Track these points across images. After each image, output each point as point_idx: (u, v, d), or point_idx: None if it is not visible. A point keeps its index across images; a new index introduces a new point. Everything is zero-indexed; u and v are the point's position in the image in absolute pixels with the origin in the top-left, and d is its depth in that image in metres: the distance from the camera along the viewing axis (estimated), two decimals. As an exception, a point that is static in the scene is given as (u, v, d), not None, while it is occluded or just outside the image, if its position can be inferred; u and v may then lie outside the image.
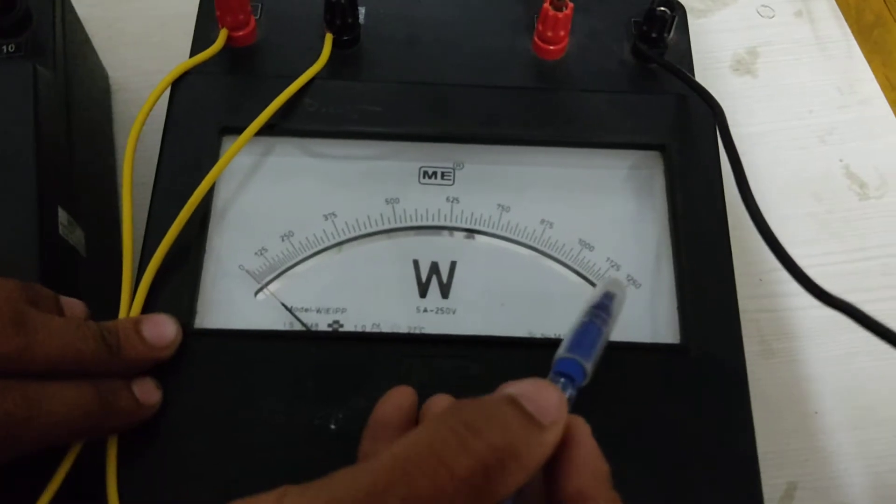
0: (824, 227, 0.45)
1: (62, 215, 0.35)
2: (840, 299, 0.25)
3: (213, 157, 0.35)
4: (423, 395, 0.31)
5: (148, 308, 0.32)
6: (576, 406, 0.31)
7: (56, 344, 0.26)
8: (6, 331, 0.25)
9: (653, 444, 0.31)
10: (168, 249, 0.32)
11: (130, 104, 0.47)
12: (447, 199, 0.36)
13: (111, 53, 0.48)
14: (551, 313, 0.34)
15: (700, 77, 0.39)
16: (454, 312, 0.34)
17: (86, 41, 0.44)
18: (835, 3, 0.53)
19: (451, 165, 0.37)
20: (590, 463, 0.23)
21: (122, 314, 0.32)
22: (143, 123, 0.34)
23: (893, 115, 0.49)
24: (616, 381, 0.32)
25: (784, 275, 0.44)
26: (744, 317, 0.34)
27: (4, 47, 0.38)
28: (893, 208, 0.46)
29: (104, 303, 0.38)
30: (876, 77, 0.50)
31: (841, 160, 0.47)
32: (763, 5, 0.52)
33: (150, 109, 0.35)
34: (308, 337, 0.33)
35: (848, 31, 0.52)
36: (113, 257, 0.41)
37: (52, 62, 0.38)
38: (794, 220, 0.45)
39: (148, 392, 0.30)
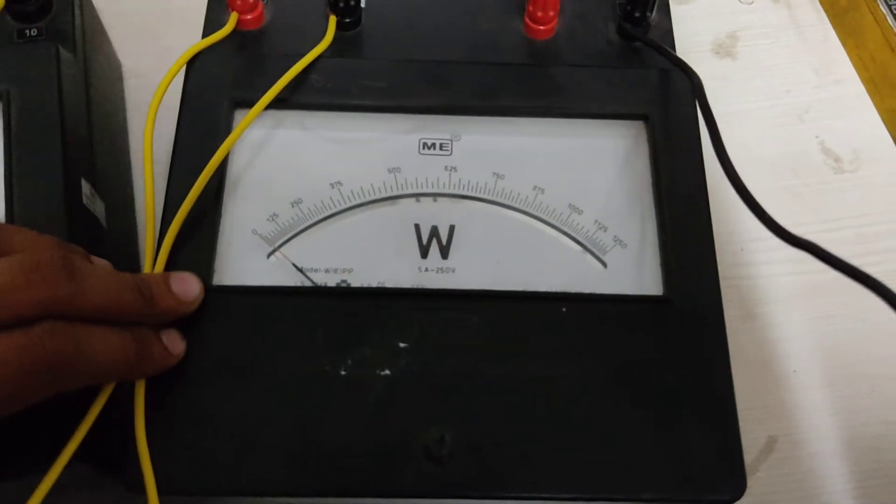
0: (802, 199, 0.48)
1: (85, 186, 0.38)
2: (802, 238, 0.28)
3: (227, 130, 0.37)
4: (426, 345, 0.34)
5: (169, 267, 0.34)
6: (570, 350, 0.34)
7: (102, 291, 0.29)
8: (60, 276, 0.27)
9: (639, 386, 0.33)
10: (188, 213, 0.35)
11: (142, 90, 0.49)
12: (445, 168, 0.38)
13: (124, 42, 0.50)
14: (543, 270, 0.36)
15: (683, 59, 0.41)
16: (454, 271, 0.36)
17: (101, 30, 0.47)
18: (811, -11, 0.55)
19: (448, 137, 0.39)
20: None
21: (146, 268, 0.34)
22: (162, 95, 0.37)
23: (867, 94, 0.51)
24: (606, 330, 0.34)
25: (763, 244, 0.47)
26: (725, 283, 0.36)
27: (27, 31, 0.40)
28: (866, 181, 0.48)
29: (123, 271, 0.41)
30: (850, 58, 0.52)
31: (817, 137, 0.50)
32: (743, -9, 0.55)
33: (169, 83, 0.37)
34: (318, 293, 0.35)
35: (823, 15, 0.54)
36: (128, 230, 0.44)
37: (73, 46, 0.40)
38: (774, 193, 0.47)
39: (174, 341, 0.32)
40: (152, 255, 0.34)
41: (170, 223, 0.35)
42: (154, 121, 0.36)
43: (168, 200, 0.36)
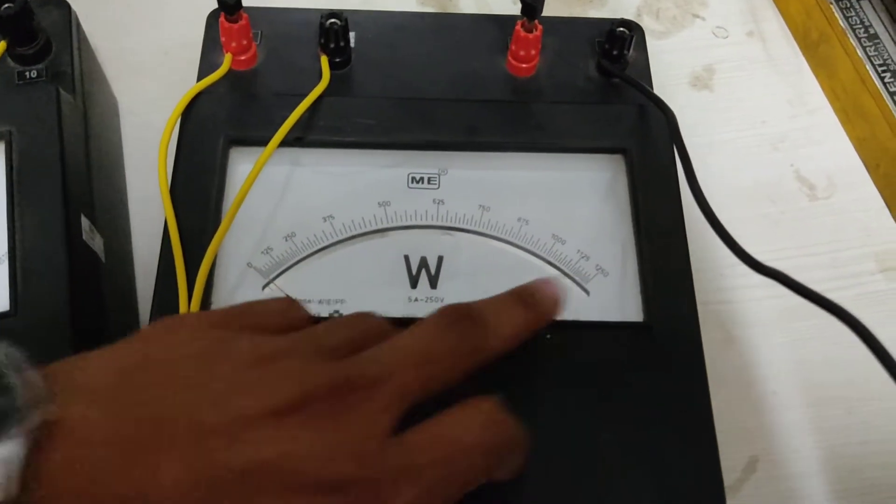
0: (778, 225, 0.49)
1: (85, 223, 0.39)
2: (771, 267, 0.29)
3: (223, 167, 0.39)
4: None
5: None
6: (554, 375, 0.35)
7: (506, 322, 0.31)
8: (469, 324, 0.30)
9: (621, 409, 0.34)
10: (215, 253, 0.36)
11: (137, 127, 0.50)
12: (433, 201, 0.40)
13: (119, 81, 0.51)
14: (529, 299, 0.38)
15: (662, 92, 0.42)
16: (442, 301, 0.38)
17: (98, 69, 0.48)
18: (783, 23, 0.57)
19: (436, 171, 0.41)
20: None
21: (182, 309, 0.35)
22: (169, 138, 0.38)
23: (839, 124, 0.53)
24: (588, 355, 0.35)
25: (740, 269, 0.48)
26: (705, 308, 0.38)
27: (27, 73, 0.42)
28: (840, 208, 0.50)
29: (121, 306, 0.42)
30: (822, 89, 0.54)
31: (792, 165, 0.51)
32: (718, 26, 0.57)
33: (174, 125, 0.39)
34: (312, 322, 0.36)
35: (796, 48, 0.56)
36: (126, 263, 0.45)
37: (72, 87, 0.42)
38: (751, 220, 0.49)
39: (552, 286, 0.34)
40: (185, 291, 0.36)
41: (170, 261, 0.36)
42: (165, 162, 0.38)
43: (167, 235, 0.37)
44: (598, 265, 0.39)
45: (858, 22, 0.52)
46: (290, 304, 0.31)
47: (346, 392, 0.26)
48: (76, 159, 0.40)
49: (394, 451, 0.26)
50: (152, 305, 0.36)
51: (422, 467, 0.26)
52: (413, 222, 0.39)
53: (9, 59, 0.42)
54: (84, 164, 0.41)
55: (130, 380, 0.25)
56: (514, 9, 0.55)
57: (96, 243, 0.40)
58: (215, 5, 0.43)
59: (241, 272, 0.38)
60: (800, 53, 0.56)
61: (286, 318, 0.30)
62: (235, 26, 0.41)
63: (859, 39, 0.51)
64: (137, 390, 0.25)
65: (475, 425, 0.27)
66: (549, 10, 0.42)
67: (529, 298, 0.32)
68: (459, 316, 0.30)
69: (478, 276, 0.38)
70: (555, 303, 0.33)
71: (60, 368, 0.25)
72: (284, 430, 0.24)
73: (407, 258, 0.38)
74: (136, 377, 0.25)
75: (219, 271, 0.37)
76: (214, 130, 0.40)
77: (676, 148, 0.38)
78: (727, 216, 0.35)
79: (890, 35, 0.51)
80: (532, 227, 0.39)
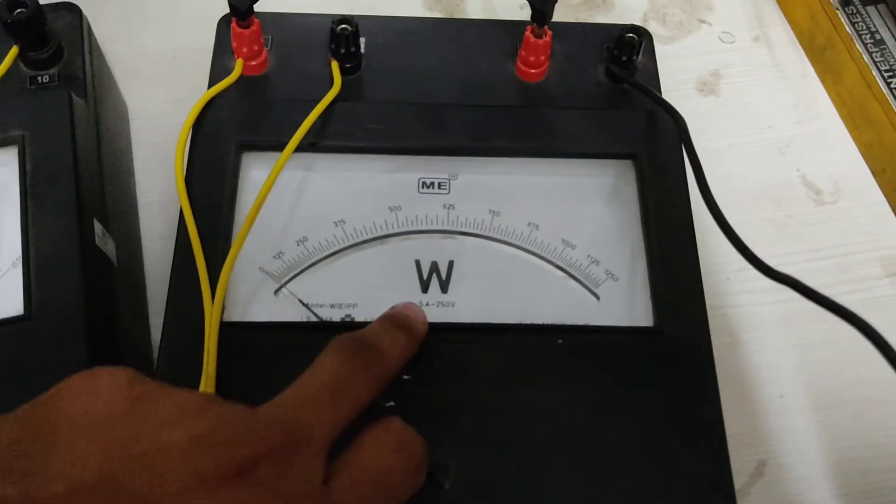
0: (784, 230, 0.49)
1: (97, 227, 0.39)
2: (783, 273, 0.29)
3: (235, 172, 0.39)
4: (429, 377, 0.35)
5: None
6: (565, 379, 0.35)
7: (397, 350, 0.32)
8: (362, 359, 0.30)
9: (632, 413, 0.34)
10: (235, 259, 0.36)
11: (146, 131, 0.51)
12: (444, 206, 0.40)
13: (129, 85, 0.51)
14: (539, 303, 0.38)
15: (668, 97, 0.43)
16: (453, 305, 0.38)
17: (108, 73, 0.48)
18: (789, 28, 0.57)
19: (446, 176, 0.41)
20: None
21: (207, 311, 0.35)
22: (185, 143, 0.39)
23: (845, 129, 0.53)
24: (600, 359, 0.36)
25: (748, 273, 0.49)
26: (713, 312, 0.38)
27: (39, 78, 0.42)
28: (847, 212, 0.50)
29: (132, 310, 0.42)
30: (828, 94, 0.54)
31: (798, 170, 0.52)
32: (724, 31, 0.57)
33: (189, 130, 0.39)
34: (324, 327, 0.36)
35: (802, 53, 0.56)
36: (136, 266, 0.45)
37: (84, 91, 0.42)
38: (757, 224, 0.49)
39: (415, 310, 0.36)
40: (209, 296, 0.36)
41: (185, 263, 0.36)
42: (183, 168, 0.38)
43: (182, 241, 0.37)
44: (607, 270, 0.39)
45: (864, 28, 0.52)
46: None
47: (286, 448, 0.25)
48: (88, 163, 0.40)
49: (326, 500, 0.25)
50: (166, 310, 0.36)
51: None
52: (424, 227, 0.39)
53: (21, 64, 0.42)
54: (96, 168, 0.41)
55: (36, 446, 0.23)
56: (520, 13, 0.56)
57: (109, 248, 0.40)
58: (222, 11, 0.43)
59: (253, 277, 0.38)
60: (806, 59, 0.56)
61: None
62: (247, 32, 0.41)
63: (865, 45, 0.52)
64: (41, 458, 0.23)
65: (388, 450, 0.28)
66: (555, 16, 0.42)
67: (404, 321, 0.34)
68: (356, 345, 0.30)
69: (488, 280, 0.38)
70: (423, 322, 0.35)
71: None
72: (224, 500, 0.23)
73: (418, 263, 0.39)
74: (46, 440, 0.23)
75: (231, 276, 0.37)
76: (226, 135, 0.40)
77: (687, 153, 0.38)
78: (733, 221, 0.35)
79: (896, 41, 0.52)
80: (542, 231, 0.39)
